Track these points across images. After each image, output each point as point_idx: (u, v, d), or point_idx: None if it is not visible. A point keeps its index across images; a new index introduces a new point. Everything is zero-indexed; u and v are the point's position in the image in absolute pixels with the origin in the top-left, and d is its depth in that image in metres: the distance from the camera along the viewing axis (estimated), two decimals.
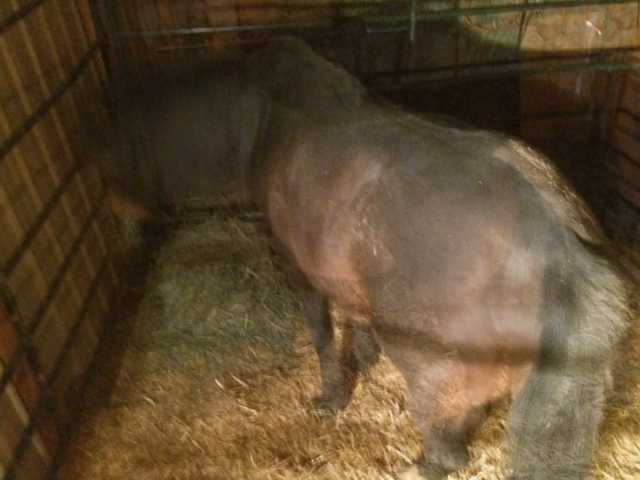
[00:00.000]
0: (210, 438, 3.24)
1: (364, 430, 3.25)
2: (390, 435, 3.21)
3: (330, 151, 2.80)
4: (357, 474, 2.99)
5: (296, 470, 3.02)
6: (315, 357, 3.62)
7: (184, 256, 4.42)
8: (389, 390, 3.49)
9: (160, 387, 3.57)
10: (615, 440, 3.05)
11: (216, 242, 4.50)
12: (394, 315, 2.91)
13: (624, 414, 3.19)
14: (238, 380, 3.57)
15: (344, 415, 3.36)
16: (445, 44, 5.18)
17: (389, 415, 3.33)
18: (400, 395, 3.44)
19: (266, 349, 3.79)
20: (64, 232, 3.39)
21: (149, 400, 3.48)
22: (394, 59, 5.20)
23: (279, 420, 3.32)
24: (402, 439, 3.18)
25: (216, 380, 3.57)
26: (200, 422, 3.33)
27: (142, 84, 3.30)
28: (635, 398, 3.27)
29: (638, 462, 2.95)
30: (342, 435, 3.23)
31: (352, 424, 3.31)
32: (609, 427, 3.11)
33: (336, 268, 3.05)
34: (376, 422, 3.30)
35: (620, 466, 2.94)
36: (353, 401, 3.46)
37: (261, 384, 3.55)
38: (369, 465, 3.04)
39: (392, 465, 3.05)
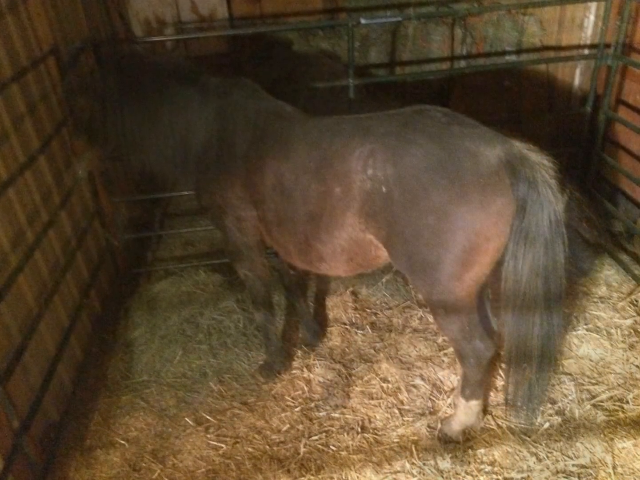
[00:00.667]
0: (181, 474, 3.30)
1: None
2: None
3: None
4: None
5: None
6: (278, 388, 3.74)
7: (154, 305, 4.66)
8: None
9: (132, 429, 3.63)
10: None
11: (185, 293, 4.77)
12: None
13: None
14: (207, 416, 3.65)
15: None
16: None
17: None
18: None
19: (233, 387, 3.85)
20: (37, 281, 3.37)
21: (122, 441, 3.54)
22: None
23: (247, 452, 3.38)
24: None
25: (186, 418, 3.65)
26: (171, 460, 3.40)
27: (133, 75, 3.22)
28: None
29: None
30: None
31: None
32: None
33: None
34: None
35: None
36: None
37: (229, 419, 3.63)
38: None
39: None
